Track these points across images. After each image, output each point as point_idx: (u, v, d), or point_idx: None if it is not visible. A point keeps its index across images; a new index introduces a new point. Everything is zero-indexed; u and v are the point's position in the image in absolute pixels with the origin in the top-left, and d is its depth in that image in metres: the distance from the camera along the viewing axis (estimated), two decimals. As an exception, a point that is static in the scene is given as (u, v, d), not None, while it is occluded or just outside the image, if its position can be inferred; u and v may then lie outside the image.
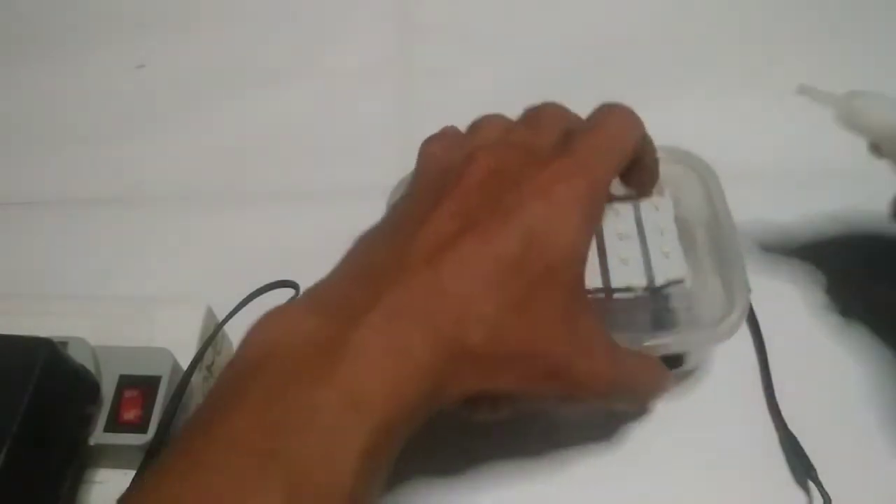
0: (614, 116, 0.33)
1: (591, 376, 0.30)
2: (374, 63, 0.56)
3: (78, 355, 0.34)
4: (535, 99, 0.54)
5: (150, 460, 0.34)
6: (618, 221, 0.37)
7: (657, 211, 0.37)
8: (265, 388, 0.25)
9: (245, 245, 0.48)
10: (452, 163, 0.31)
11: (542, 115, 0.34)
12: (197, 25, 0.58)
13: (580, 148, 0.31)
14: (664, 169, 0.37)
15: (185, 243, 0.48)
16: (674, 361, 0.37)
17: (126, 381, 0.35)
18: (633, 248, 0.36)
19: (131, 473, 0.34)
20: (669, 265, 0.35)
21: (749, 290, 0.36)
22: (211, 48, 0.57)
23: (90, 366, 0.35)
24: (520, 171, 0.30)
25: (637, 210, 0.37)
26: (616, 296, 0.35)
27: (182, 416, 0.37)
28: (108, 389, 0.35)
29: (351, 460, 0.23)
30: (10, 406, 0.31)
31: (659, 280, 0.35)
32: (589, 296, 0.33)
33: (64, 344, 0.34)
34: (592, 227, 0.30)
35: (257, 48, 0.57)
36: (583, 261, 0.30)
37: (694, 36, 0.55)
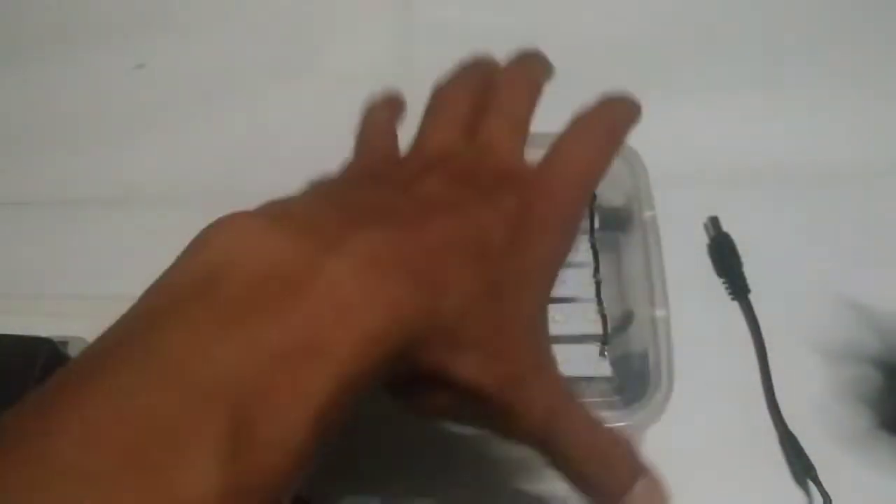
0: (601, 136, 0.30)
1: (543, 406, 0.26)
2: (374, 63, 0.56)
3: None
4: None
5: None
6: None
7: None
8: (212, 316, 0.21)
9: (245, 245, 0.48)
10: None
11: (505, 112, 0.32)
12: (197, 25, 0.58)
13: (558, 173, 0.28)
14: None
15: (185, 243, 0.48)
16: None
17: (126, 381, 0.35)
18: None
19: (131, 473, 0.34)
20: None
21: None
22: (211, 48, 0.57)
23: (90, 366, 0.35)
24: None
25: None
26: None
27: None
28: (107, 389, 0.35)
29: (301, 417, 0.20)
30: (11, 406, 0.31)
31: None
32: None
33: (64, 344, 0.34)
34: (571, 241, 0.28)
35: (257, 48, 0.57)
36: (555, 275, 0.28)
37: (698, 34, 0.55)
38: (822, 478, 0.37)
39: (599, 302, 0.38)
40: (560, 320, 0.37)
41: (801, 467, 0.38)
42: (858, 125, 0.49)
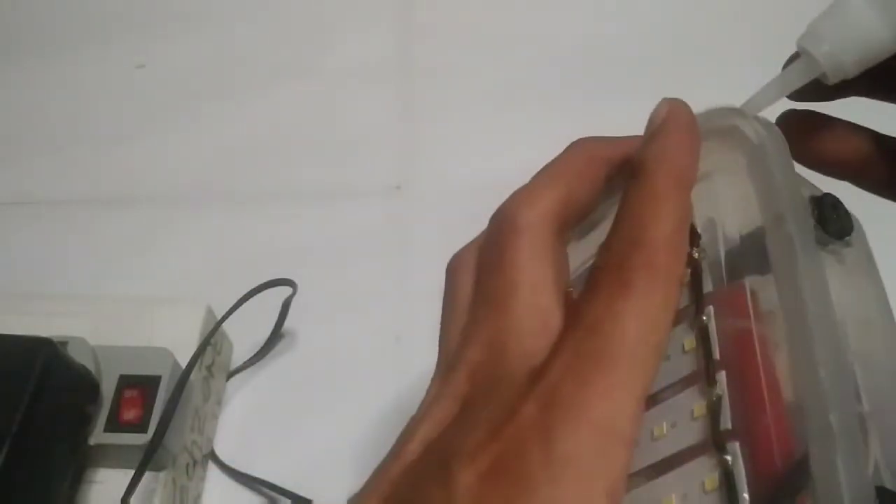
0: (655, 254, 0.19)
1: None
2: (374, 63, 0.56)
3: (78, 355, 0.34)
4: (535, 99, 0.54)
5: (148, 460, 0.34)
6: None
7: None
8: None
9: (245, 245, 0.48)
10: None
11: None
12: (197, 25, 0.58)
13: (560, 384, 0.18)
14: None
15: (185, 243, 0.48)
16: None
17: (126, 381, 0.36)
18: None
19: (131, 473, 0.34)
20: None
21: None
22: (211, 48, 0.57)
23: (90, 366, 0.35)
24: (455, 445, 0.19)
25: None
26: None
27: (181, 415, 0.37)
28: (108, 389, 0.35)
29: None
30: (11, 406, 0.31)
31: None
32: None
33: (64, 344, 0.34)
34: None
35: (257, 48, 0.57)
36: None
37: (696, 34, 0.55)
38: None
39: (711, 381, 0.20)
40: (660, 435, 0.21)
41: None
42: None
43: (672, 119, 0.21)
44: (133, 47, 0.57)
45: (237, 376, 0.43)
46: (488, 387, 0.20)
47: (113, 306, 0.40)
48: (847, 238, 0.21)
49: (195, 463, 0.39)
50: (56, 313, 0.38)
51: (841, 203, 0.22)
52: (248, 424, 0.42)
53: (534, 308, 0.21)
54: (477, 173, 0.49)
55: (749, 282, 0.21)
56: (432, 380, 0.23)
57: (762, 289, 0.20)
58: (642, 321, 0.18)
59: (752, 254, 0.21)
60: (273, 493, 0.39)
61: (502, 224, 0.22)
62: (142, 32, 0.58)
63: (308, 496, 0.39)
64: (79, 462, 0.35)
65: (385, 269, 0.46)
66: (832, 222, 0.21)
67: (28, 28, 0.59)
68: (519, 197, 0.23)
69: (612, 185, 0.23)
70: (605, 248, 0.20)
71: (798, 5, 0.55)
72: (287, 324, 0.43)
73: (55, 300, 0.41)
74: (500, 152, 0.50)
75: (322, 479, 0.39)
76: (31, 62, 0.57)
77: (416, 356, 0.43)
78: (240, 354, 0.44)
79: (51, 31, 0.59)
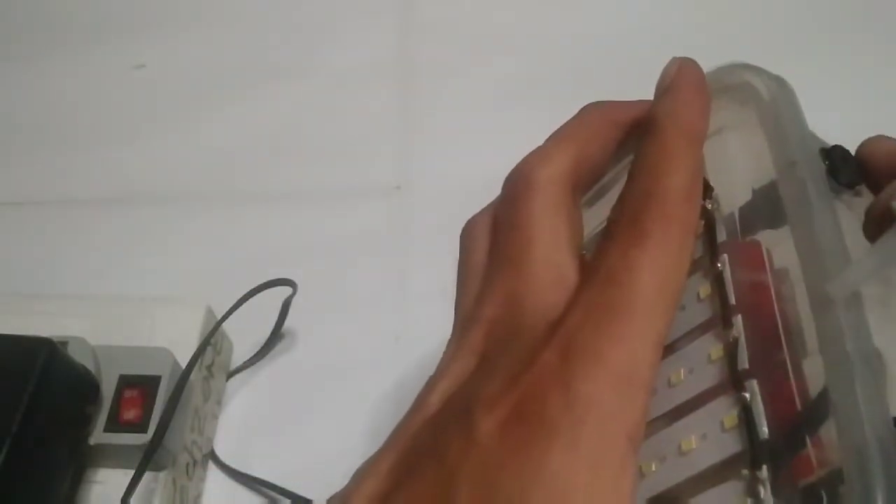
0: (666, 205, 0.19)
1: None
2: (374, 63, 0.56)
3: (78, 355, 0.34)
4: (535, 99, 0.54)
5: (148, 460, 0.34)
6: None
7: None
8: None
9: (245, 245, 0.48)
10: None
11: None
12: (197, 25, 0.58)
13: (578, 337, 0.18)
14: None
15: (185, 243, 0.48)
16: None
17: (126, 381, 0.36)
18: None
19: (131, 473, 0.34)
20: None
21: None
22: (211, 48, 0.57)
23: (90, 366, 0.35)
24: (470, 398, 0.19)
25: None
26: None
27: (181, 415, 0.37)
28: (108, 389, 0.35)
29: None
30: (10, 406, 0.31)
31: None
32: None
33: (64, 344, 0.34)
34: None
35: (257, 48, 0.57)
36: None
37: (699, 33, 0.55)
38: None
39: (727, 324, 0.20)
40: (677, 382, 0.21)
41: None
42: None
43: (682, 76, 0.22)
44: (133, 47, 0.57)
45: (237, 376, 0.43)
46: (506, 340, 0.20)
47: (113, 306, 0.40)
48: (857, 188, 0.22)
49: (195, 463, 0.39)
50: (56, 313, 0.38)
51: (850, 154, 0.22)
52: (248, 424, 0.42)
53: (550, 263, 0.21)
54: (477, 173, 0.49)
55: (762, 237, 0.21)
56: (448, 342, 0.23)
57: (776, 245, 0.21)
58: (658, 270, 0.19)
59: (764, 207, 0.21)
60: (273, 493, 0.39)
61: (517, 183, 0.23)
62: (142, 32, 0.58)
63: (308, 496, 0.39)
64: (79, 462, 0.35)
65: (385, 269, 0.46)
66: (843, 172, 0.22)
67: (28, 28, 0.59)
68: (532, 157, 0.23)
69: (624, 148, 0.24)
70: (620, 201, 0.20)
71: (799, 6, 0.55)
72: (287, 324, 0.43)
73: (55, 300, 0.41)
74: (500, 152, 0.49)
75: (322, 479, 0.39)
76: (32, 62, 0.57)
77: (416, 356, 0.43)
78: (240, 354, 0.44)
79: (51, 31, 0.59)
